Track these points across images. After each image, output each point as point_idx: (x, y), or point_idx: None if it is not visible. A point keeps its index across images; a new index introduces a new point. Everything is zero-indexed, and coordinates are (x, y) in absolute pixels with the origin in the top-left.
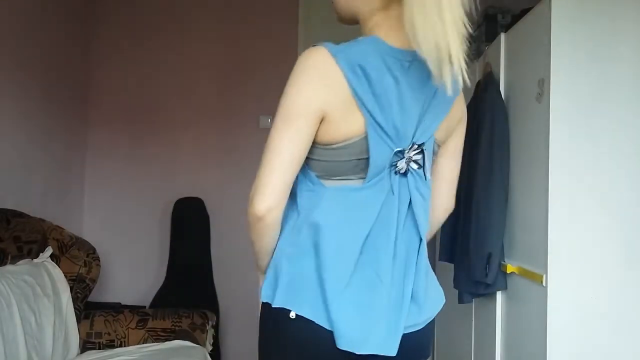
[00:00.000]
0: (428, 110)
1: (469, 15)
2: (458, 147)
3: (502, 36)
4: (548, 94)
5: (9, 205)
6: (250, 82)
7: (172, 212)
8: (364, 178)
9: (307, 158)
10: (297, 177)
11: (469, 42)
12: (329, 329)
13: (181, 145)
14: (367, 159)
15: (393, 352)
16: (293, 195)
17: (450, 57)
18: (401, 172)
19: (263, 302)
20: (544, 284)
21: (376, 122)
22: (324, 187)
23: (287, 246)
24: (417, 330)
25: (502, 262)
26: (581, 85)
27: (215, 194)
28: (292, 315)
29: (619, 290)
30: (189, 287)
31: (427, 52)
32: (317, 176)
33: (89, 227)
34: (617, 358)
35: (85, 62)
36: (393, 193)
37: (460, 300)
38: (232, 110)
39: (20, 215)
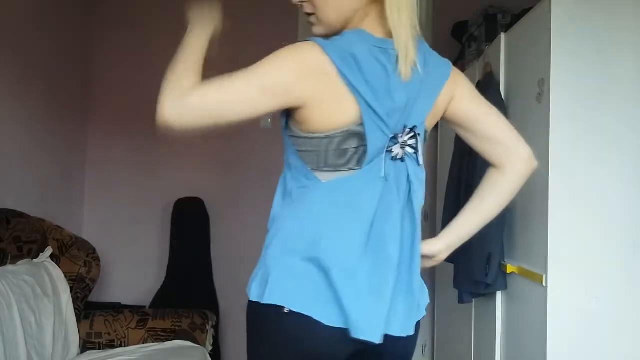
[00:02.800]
0: (417, 96)
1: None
2: (472, 100)
3: (502, 36)
4: (548, 94)
5: (9, 205)
6: None
7: (172, 212)
8: (357, 168)
9: (299, 151)
10: (288, 175)
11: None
12: (327, 323)
13: (181, 146)
14: (363, 147)
15: (409, 332)
16: (287, 193)
17: (407, 50)
18: (397, 157)
19: (251, 301)
20: (544, 284)
21: (371, 108)
22: (319, 182)
23: (283, 244)
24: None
25: (502, 262)
26: (581, 85)
27: (215, 194)
28: (286, 310)
29: (619, 290)
30: (189, 287)
31: (397, 43)
32: (312, 169)
33: (89, 227)
34: (616, 358)
35: (86, 63)
36: (387, 179)
37: (460, 300)
38: None
39: (21, 215)
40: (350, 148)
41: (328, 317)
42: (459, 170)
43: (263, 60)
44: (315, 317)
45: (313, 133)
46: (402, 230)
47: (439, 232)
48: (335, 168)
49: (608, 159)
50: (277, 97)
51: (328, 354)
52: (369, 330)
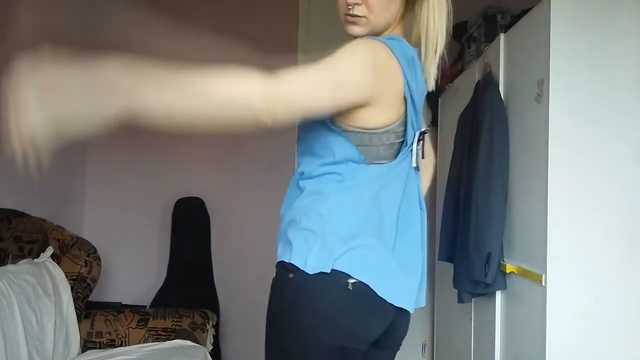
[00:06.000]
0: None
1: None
2: None
3: (502, 37)
4: (547, 95)
5: (10, 205)
6: None
7: (172, 212)
8: (392, 159)
9: (358, 145)
10: (337, 159)
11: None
12: (383, 296)
13: (181, 146)
14: (400, 142)
15: (422, 303)
16: (333, 172)
17: (438, 62)
18: (416, 151)
19: (300, 270)
20: (543, 283)
21: (414, 106)
22: (367, 167)
23: (344, 222)
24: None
25: (502, 262)
26: (580, 86)
27: (215, 194)
28: (351, 281)
29: (619, 290)
30: (189, 286)
31: (430, 51)
32: (366, 161)
33: (89, 227)
34: (616, 358)
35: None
36: (417, 169)
37: (460, 300)
38: None
39: (22, 215)
40: (395, 143)
41: (384, 291)
42: (459, 170)
43: (342, 60)
44: (376, 290)
45: (374, 129)
46: (420, 215)
47: (439, 231)
48: (380, 160)
49: (607, 158)
50: (354, 100)
51: (378, 327)
52: (407, 300)
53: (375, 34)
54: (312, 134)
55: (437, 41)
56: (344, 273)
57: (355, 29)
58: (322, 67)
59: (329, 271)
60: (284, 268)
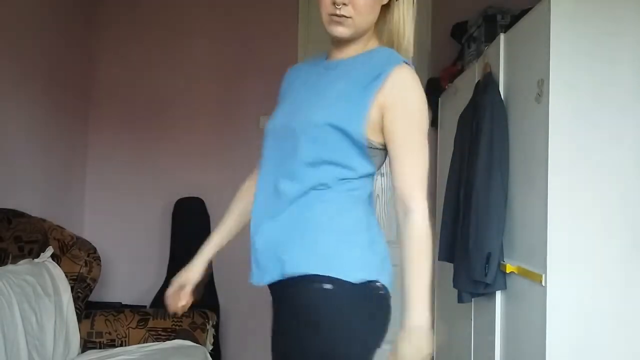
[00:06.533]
0: None
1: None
2: None
3: (502, 37)
4: (547, 95)
5: (10, 205)
6: (250, 82)
7: (172, 212)
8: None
9: (374, 158)
10: (359, 172)
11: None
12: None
13: (182, 146)
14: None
15: None
16: (350, 189)
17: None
18: None
19: (341, 280)
20: (543, 283)
21: None
22: (373, 177)
23: (363, 230)
24: None
25: (502, 262)
26: (580, 86)
27: (215, 194)
28: (380, 284)
29: (618, 289)
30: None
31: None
32: (374, 170)
33: (89, 227)
34: (616, 357)
35: (87, 63)
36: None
37: (460, 300)
38: (233, 110)
39: (22, 215)
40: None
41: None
42: (459, 170)
43: (420, 108)
44: (390, 292)
45: (382, 144)
46: None
47: (439, 231)
48: (377, 169)
49: (607, 159)
50: None
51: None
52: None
53: (357, 35)
54: (334, 146)
55: (408, 50)
56: (376, 280)
57: (339, 29)
58: (418, 155)
59: (371, 279)
60: (314, 280)
